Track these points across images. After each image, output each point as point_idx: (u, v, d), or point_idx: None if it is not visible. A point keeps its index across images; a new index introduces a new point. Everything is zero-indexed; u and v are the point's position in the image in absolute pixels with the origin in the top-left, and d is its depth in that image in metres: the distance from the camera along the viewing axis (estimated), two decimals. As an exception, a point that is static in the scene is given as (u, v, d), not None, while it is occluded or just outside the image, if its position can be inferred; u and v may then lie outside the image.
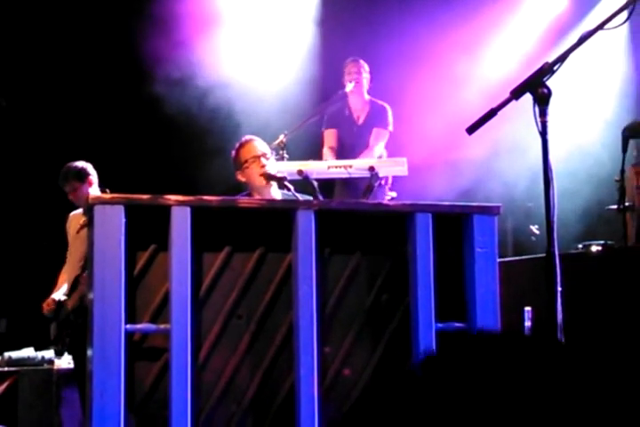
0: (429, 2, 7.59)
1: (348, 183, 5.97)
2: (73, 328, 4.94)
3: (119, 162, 6.96)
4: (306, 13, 8.02)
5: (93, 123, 7.32)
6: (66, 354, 5.29)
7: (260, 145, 4.77)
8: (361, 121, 6.40)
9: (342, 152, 6.31)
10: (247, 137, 4.85)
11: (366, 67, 6.42)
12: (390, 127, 6.33)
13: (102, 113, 7.38)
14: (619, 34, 7.46)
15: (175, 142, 7.35)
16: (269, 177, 4.60)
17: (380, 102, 6.40)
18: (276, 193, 4.69)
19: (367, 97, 6.41)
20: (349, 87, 6.24)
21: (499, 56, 8.04)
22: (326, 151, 6.36)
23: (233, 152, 4.79)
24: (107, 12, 7.32)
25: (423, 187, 6.81)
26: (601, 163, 6.99)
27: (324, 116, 6.43)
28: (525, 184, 6.94)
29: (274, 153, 4.98)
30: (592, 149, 7.43)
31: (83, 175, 5.35)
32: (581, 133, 7.54)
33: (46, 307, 5.17)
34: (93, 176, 5.40)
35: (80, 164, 5.41)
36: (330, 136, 6.44)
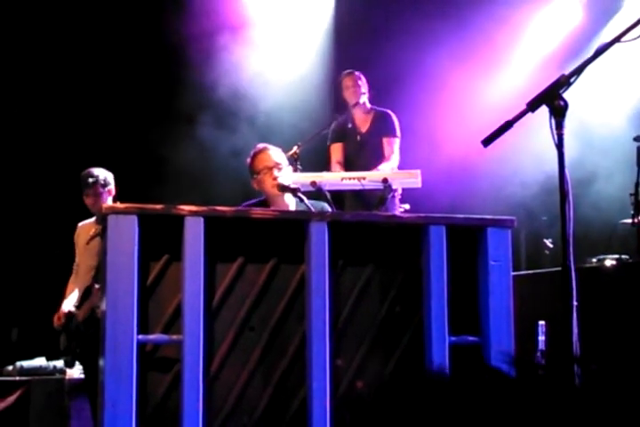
0: (443, 13, 7.60)
1: (360, 195, 5.93)
2: (83, 339, 4.92)
3: (132, 171, 6.96)
4: (320, 23, 8.06)
5: (107, 134, 7.33)
6: (77, 363, 5.27)
7: (274, 155, 4.69)
8: (364, 130, 6.38)
9: (348, 163, 6.30)
10: (261, 146, 4.76)
11: (363, 77, 6.41)
12: (398, 133, 6.30)
13: (114, 123, 7.39)
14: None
15: (190, 150, 7.35)
16: (282, 188, 4.57)
17: (383, 110, 6.39)
18: (290, 202, 4.65)
19: (368, 106, 6.40)
20: (352, 101, 6.26)
21: (514, 69, 8.03)
22: (334, 166, 6.35)
23: (248, 159, 4.73)
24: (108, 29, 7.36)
25: (436, 199, 6.79)
26: (615, 176, 6.96)
27: (329, 131, 6.42)
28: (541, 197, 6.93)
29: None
30: (606, 162, 7.40)
31: (107, 183, 5.33)
32: (596, 145, 7.51)
33: (57, 321, 5.14)
34: (113, 186, 5.39)
35: (104, 171, 5.38)
36: (336, 150, 6.43)
